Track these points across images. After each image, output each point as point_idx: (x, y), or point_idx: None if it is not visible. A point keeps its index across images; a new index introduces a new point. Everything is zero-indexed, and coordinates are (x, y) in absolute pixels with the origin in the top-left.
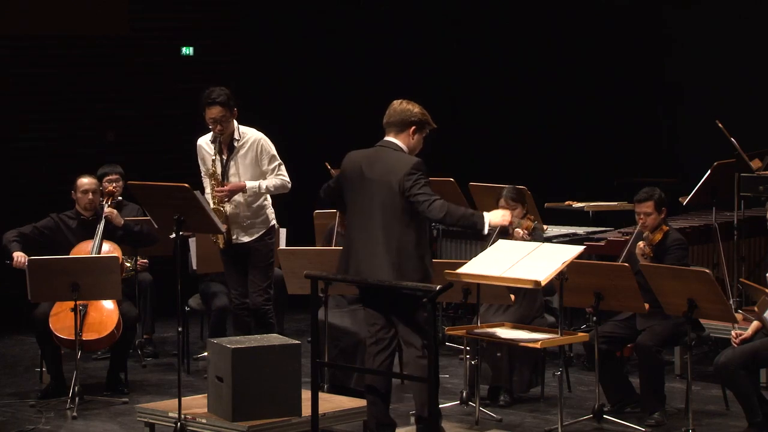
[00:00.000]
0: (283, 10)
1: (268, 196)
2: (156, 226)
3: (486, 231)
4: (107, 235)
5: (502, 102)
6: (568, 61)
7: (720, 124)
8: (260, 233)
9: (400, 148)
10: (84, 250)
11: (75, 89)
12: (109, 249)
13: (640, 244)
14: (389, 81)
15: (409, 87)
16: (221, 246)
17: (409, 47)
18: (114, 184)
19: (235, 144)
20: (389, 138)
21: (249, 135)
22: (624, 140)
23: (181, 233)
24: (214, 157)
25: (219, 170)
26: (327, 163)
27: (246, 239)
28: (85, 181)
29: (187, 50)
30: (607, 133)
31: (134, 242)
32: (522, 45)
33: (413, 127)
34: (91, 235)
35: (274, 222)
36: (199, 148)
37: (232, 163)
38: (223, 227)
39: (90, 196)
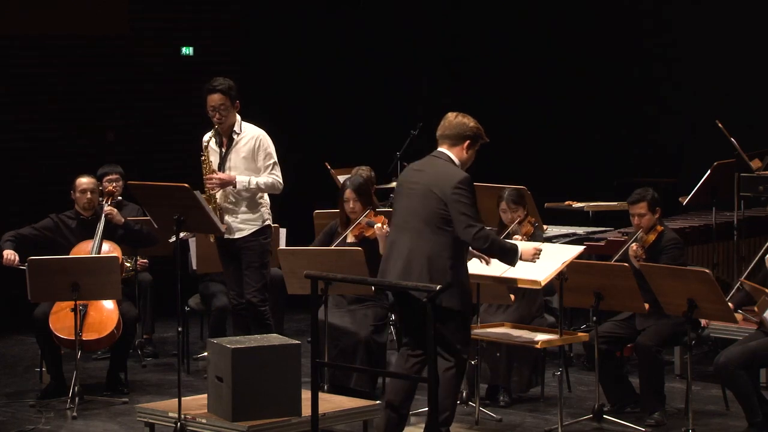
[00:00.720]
0: (283, 10)
1: (266, 195)
2: (156, 226)
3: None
4: (107, 235)
5: (502, 102)
6: (568, 61)
7: (720, 124)
8: (253, 230)
9: (452, 160)
10: (84, 250)
11: (75, 89)
12: (108, 249)
13: (633, 246)
14: (389, 81)
15: (409, 87)
16: (212, 240)
17: (409, 47)
18: (114, 184)
19: (235, 137)
20: (442, 149)
21: (249, 130)
22: (624, 140)
23: (181, 236)
24: (206, 144)
25: (215, 160)
26: (327, 163)
27: (238, 235)
28: (84, 181)
29: (186, 50)
30: (606, 132)
31: (134, 242)
32: (522, 45)
33: (468, 141)
34: (90, 235)
35: (269, 221)
36: (204, 143)
37: (229, 155)
38: (223, 227)
39: (88, 195)
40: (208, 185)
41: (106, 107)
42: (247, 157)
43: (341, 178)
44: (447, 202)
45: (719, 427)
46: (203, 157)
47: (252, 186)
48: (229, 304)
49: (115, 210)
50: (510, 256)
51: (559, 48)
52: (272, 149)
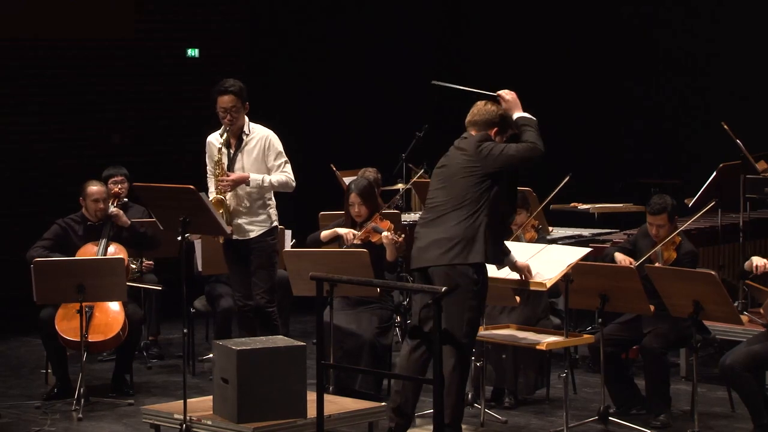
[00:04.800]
0: (288, 11)
1: (272, 196)
2: (161, 228)
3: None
4: (113, 237)
5: None
6: (573, 63)
7: (726, 126)
8: (261, 231)
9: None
10: (90, 251)
11: (80, 92)
12: (114, 251)
13: (657, 266)
14: (394, 82)
15: (413, 87)
16: (220, 241)
17: (414, 48)
18: (119, 186)
19: (244, 138)
20: (471, 133)
21: (258, 130)
22: (629, 142)
23: (186, 238)
24: (219, 146)
25: (225, 161)
26: (332, 165)
27: (246, 236)
28: (95, 189)
29: (192, 52)
30: (612, 134)
31: (138, 244)
32: (526, 47)
33: (496, 128)
34: (97, 238)
35: (276, 222)
36: (209, 144)
37: (239, 156)
38: (228, 229)
39: (101, 205)
40: (220, 186)
41: (112, 109)
42: (257, 158)
43: (346, 180)
44: (479, 161)
45: (725, 429)
46: (217, 158)
47: (266, 184)
48: (234, 306)
49: (122, 212)
50: (535, 125)
51: (563, 50)
52: (281, 147)
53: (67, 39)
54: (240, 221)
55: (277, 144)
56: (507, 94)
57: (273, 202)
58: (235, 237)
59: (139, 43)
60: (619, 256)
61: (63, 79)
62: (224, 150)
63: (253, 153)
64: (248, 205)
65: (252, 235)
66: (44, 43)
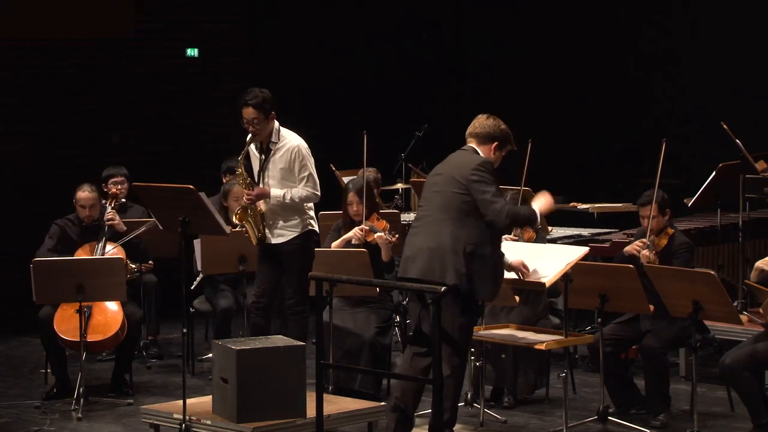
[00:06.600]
0: (288, 11)
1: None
2: (161, 228)
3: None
4: (110, 237)
5: (507, 104)
6: (573, 63)
7: (725, 126)
8: (292, 236)
9: (477, 153)
10: (89, 251)
11: (80, 92)
12: (113, 251)
13: (645, 252)
14: (394, 82)
15: (415, 87)
16: (254, 242)
17: (415, 48)
18: (119, 186)
19: (272, 147)
20: (471, 145)
21: (288, 139)
22: (628, 141)
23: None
24: (240, 157)
25: (255, 166)
26: (332, 165)
27: (279, 240)
28: (83, 196)
29: (191, 52)
30: (611, 134)
31: (128, 252)
32: (526, 47)
33: (496, 143)
34: (94, 238)
35: (311, 227)
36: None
37: (268, 165)
38: (228, 229)
39: (87, 211)
40: (246, 200)
41: (112, 109)
42: (285, 168)
43: (346, 180)
44: (467, 185)
45: (724, 428)
46: (239, 170)
47: (287, 200)
48: (252, 300)
49: (117, 218)
50: (533, 221)
51: (563, 50)
52: (309, 160)
53: (67, 39)
54: (270, 227)
55: (304, 156)
56: (545, 196)
57: (308, 206)
58: (267, 241)
59: (139, 43)
60: (628, 248)
61: (63, 79)
62: (255, 154)
63: (280, 163)
64: (277, 214)
65: (282, 239)
66: (44, 43)
